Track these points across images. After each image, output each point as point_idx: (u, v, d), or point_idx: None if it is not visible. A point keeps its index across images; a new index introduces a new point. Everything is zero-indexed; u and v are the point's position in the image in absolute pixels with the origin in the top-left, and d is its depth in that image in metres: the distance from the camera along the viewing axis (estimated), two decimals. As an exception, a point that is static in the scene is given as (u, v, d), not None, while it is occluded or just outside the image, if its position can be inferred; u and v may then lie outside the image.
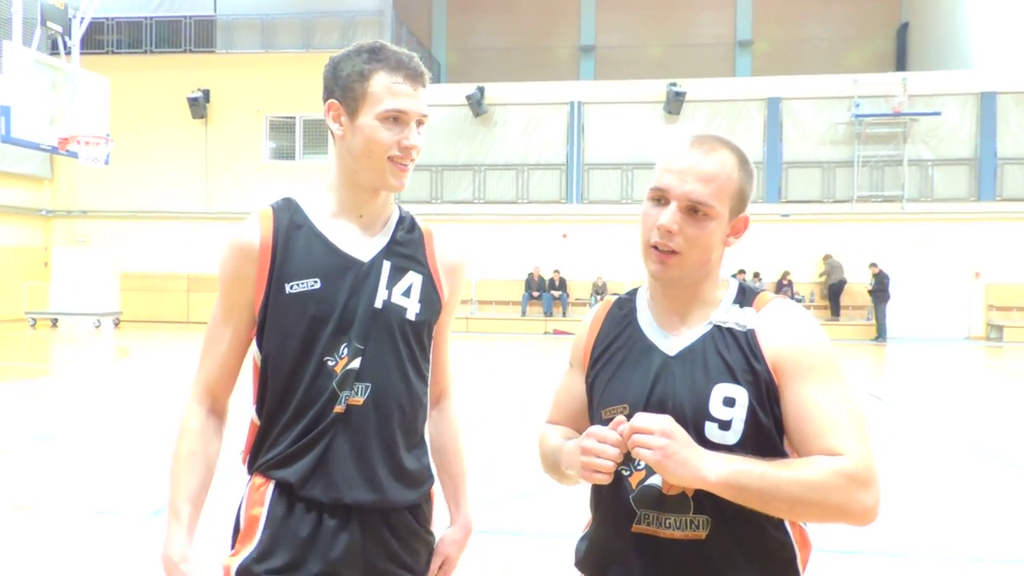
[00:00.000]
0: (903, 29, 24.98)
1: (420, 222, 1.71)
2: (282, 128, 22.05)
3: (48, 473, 5.95)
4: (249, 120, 21.80)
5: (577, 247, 20.62)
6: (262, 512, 1.55)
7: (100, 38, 21.62)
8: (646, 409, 1.40)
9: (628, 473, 1.41)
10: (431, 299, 1.64)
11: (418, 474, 1.64)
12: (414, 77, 1.56)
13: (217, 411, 1.64)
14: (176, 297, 21.77)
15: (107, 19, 21.59)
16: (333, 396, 1.54)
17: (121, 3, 21.97)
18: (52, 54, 13.35)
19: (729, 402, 1.37)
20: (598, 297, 20.07)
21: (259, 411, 1.61)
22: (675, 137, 1.48)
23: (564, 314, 20.28)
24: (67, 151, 12.92)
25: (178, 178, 21.88)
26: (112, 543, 4.42)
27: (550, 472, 1.59)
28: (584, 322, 1.61)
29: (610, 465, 1.31)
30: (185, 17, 22.45)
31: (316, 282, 1.55)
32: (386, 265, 1.60)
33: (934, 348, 17.30)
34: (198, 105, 21.60)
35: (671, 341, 1.45)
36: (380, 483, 1.56)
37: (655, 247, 1.41)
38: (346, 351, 1.55)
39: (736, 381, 1.37)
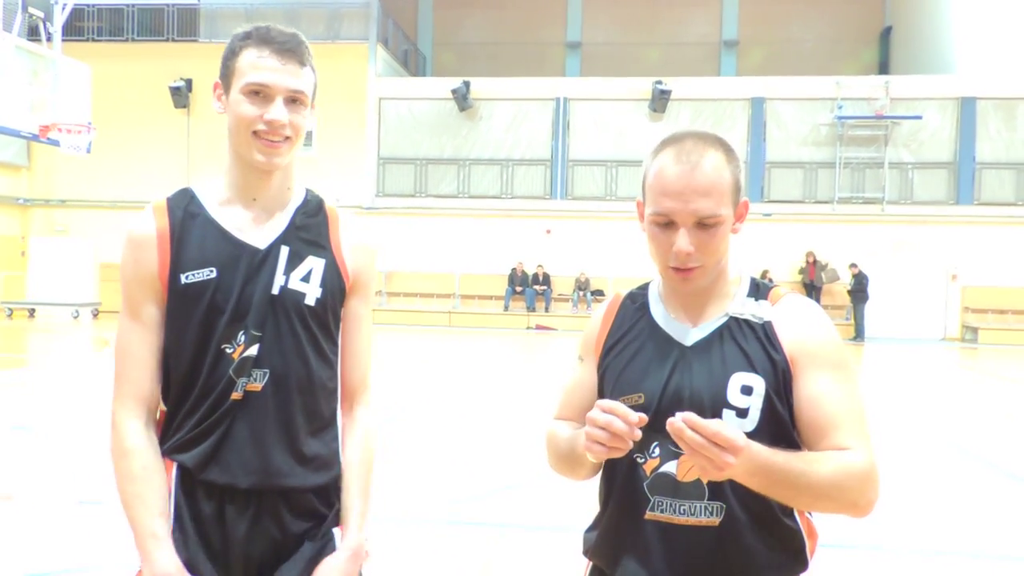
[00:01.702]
0: (886, 33, 25.23)
1: (327, 205, 1.68)
2: (266, 119, 21.86)
3: (28, 463, 5.90)
4: (232, 110, 21.57)
5: (561, 243, 20.67)
6: (172, 494, 1.56)
7: (81, 24, 21.34)
8: (662, 397, 1.42)
9: (643, 460, 1.43)
10: (333, 283, 1.61)
11: (324, 458, 1.62)
12: (282, 52, 1.53)
13: (151, 421, 1.60)
14: (156, 288, 21.55)
15: (88, 6, 21.31)
16: (230, 383, 1.53)
17: (103, -10, 21.71)
18: (32, 40, 13.17)
19: (747, 390, 1.40)
20: (581, 293, 20.15)
21: (165, 400, 1.61)
22: (658, 151, 1.45)
23: (547, 309, 20.32)
24: (48, 139, 12.76)
25: (159, 168, 21.65)
26: (97, 532, 4.39)
27: (561, 465, 1.58)
28: (596, 315, 1.63)
29: (623, 437, 1.27)
30: (168, 5, 22.21)
31: (212, 271, 1.54)
32: (284, 250, 1.58)
33: (910, 348, 17.53)
34: (180, 95, 21.39)
35: (687, 333, 1.48)
36: (278, 468, 1.55)
37: (674, 268, 1.43)
38: (243, 339, 1.53)
39: (754, 370, 1.40)
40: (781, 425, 1.41)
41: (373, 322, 1.75)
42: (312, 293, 1.58)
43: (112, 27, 22.23)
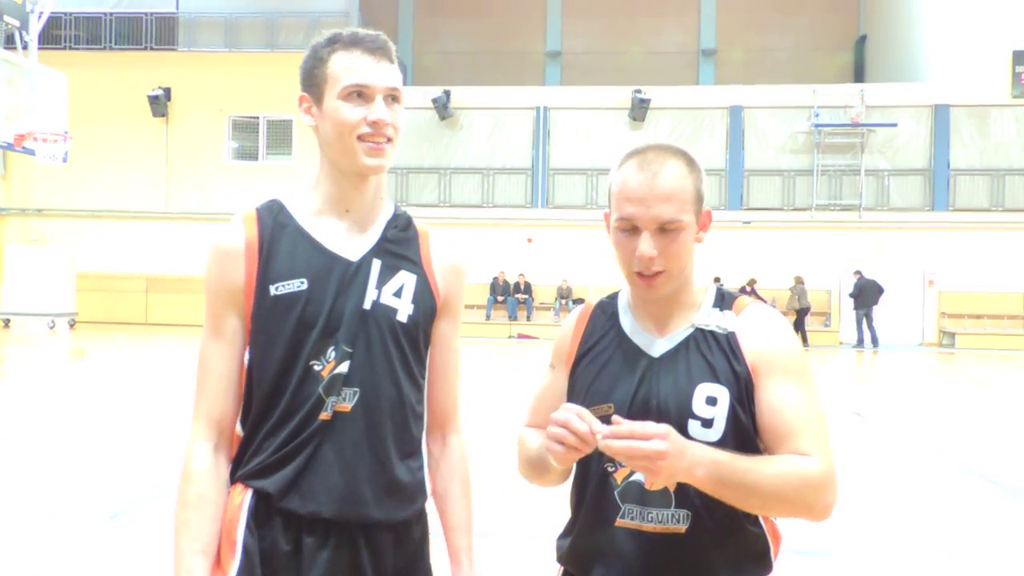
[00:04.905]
0: (861, 41, 25.58)
1: (417, 222, 1.64)
2: (245, 128, 21.80)
3: (0, 476, 5.81)
4: (211, 119, 21.52)
5: (542, 251, 20.72)
6: (240, 526, 1.45)
7: (58, 33, 21.19)
8: (631, 408, 1.45)
9: (613, 469, 1.47)
10: (425, 300, 1.55)
11: (410, 488, 1.52)
12: (373, 50, 1.48)
13: (224, 445, 1.50)
14: (134, 298, 21.38)
15: (65, 14, 21.17)
16: (319, 402, 1.44)
17: (80, -2, 21.57)
18: (8, 48, 13.06)
19: (712, 401, 1.43)
20: (563, 301, 20.19)
21: (243, 421, 1.51)
22: (622, 163, 1.50)
23: (528, 318, 20.35)
24: (23, 148, 12.64)
25: (137, 177, 21.51)
26: (69, 546, 4.34)
27: (530, 471, 1.60)
28: (567, 323, 1.65)
29: (579, 438, 1.29)
30: (146, 14, 22.11)
31: (302, 283, 1.46)
32: (376, 264, 1.51)
33: (889, 354, 17.70)
34: (159, 103, 21.27)
35: (655, 344, 1.51)
36: (364, 497, 1.45)
37: (639, 273, 1.46)
38: (334, 355, 1.45)
39: (718, 381, 1.44)
40: (745, 434, 1.44)
41: None
42: (404, 309, 1.51)
43: (90, 35, 22.08)
